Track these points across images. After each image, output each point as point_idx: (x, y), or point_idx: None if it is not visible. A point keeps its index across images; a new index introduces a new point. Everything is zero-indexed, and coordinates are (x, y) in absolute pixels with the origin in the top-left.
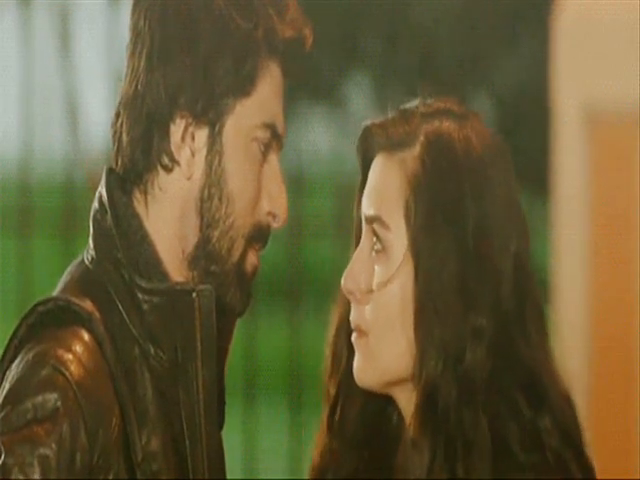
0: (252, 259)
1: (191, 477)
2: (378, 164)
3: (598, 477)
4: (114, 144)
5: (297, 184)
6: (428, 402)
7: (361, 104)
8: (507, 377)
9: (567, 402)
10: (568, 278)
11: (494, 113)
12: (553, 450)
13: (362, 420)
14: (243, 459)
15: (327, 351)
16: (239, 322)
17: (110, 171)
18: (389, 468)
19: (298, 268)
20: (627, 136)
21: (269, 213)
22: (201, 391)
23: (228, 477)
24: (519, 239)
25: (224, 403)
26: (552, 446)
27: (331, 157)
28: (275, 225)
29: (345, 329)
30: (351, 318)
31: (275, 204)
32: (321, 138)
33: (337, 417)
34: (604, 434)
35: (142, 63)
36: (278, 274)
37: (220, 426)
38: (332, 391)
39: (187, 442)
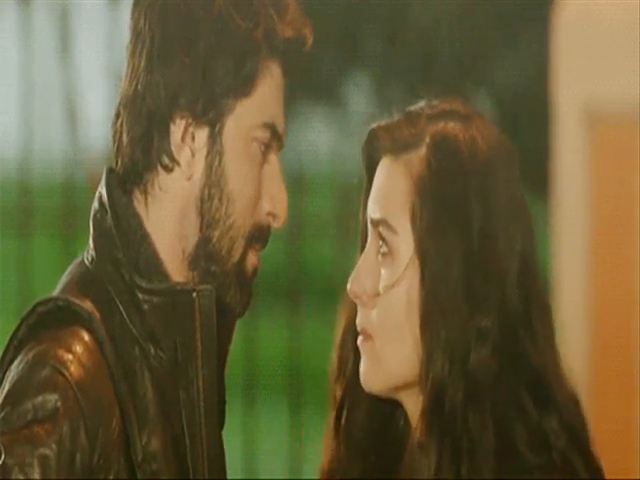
0: (252, 259)
1: (191, 477)
2: (384, 167)
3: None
4: (114, 144)
5: (297, 184)
6: (435, 404)
7: (361, 104)
8: (513, 378)
9: (574, 402)
10: (568, 278)
11: (494, 113)
12: (560, 451)
13: (368, 424)
14: (243, 459)
15: (333, 355)
16: (239, 322)
17: (110, 171)
18: (396, 471)
19: (298, 268)
20: (627, 136)
21: (269, 213)
22: (201, 391)
23: (228, 477)
24: (525, 239)
25: (224, 403)
26: (559, 447)
27: (331, 157)
28: (275, 225)
29: (351, 333)
30: (357, 322)
31: (275, 204)
32: (321, 138)
33: (343, 421)
34: (604, 434)
35: (142, 63)
36: (278, 274)
37: (220, 426)
38: (338, 395)
39: (187, 442)
